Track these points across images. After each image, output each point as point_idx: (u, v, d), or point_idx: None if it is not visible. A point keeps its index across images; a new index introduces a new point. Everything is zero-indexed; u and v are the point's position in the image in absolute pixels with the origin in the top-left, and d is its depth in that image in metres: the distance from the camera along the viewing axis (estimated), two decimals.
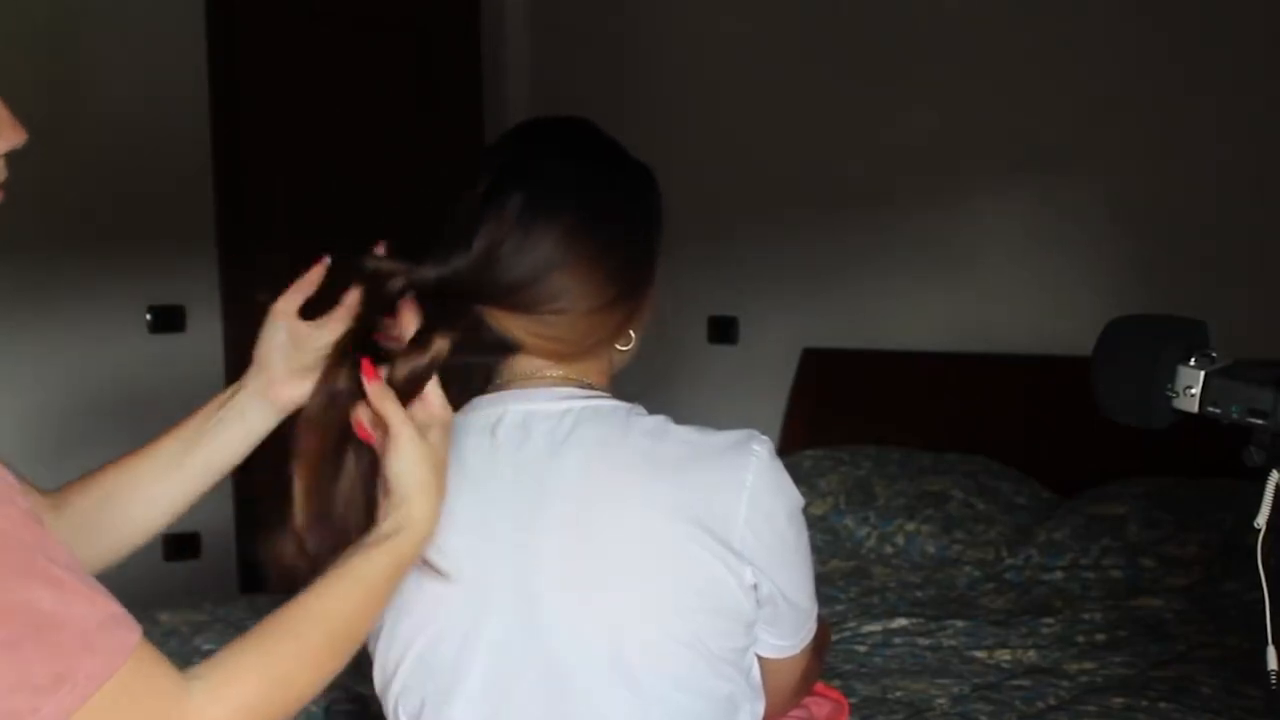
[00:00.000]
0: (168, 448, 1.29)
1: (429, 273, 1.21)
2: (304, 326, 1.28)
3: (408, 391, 1.13)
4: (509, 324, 1.23)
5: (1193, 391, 1.12)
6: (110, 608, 0.94)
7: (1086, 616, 2.71)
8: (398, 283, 1.19)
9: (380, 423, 1.12)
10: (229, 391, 1.31)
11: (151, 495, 1.29)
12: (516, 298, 1.22)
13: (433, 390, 1.14)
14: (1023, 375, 3.47)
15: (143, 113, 4.01)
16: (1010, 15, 3.56)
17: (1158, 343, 1.14)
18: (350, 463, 1.15)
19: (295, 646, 1.03)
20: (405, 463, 1.11)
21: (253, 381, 1.30)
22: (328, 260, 1.30)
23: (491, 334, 1.23)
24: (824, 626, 1.40)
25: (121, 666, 0.92)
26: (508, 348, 1.25)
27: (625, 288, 1.27)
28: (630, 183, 1.32)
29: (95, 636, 0.92)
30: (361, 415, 1.14)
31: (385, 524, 1.10)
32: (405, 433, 1.11)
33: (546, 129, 1.33)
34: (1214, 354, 1.13)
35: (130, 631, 0.94)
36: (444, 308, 1.18)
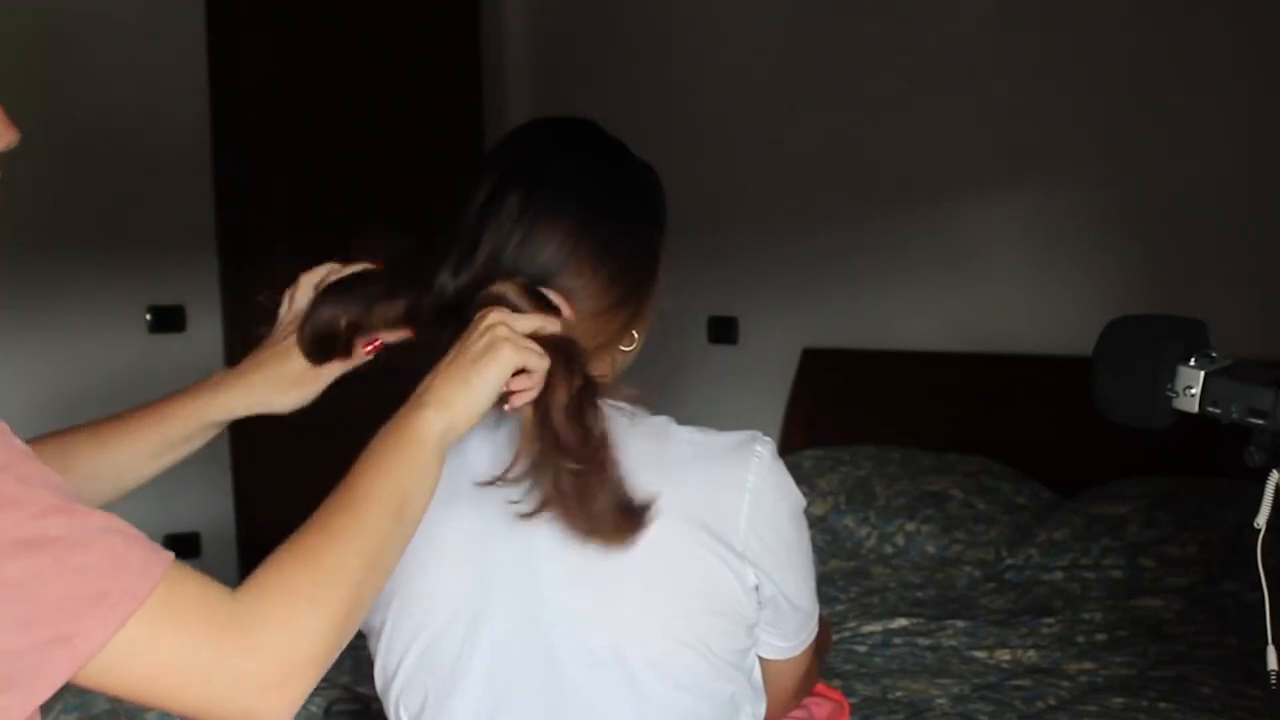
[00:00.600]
0: (148, 437, 1.29)
1: (447, 284, 1.21)
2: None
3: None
4: None
5: (1193, 391, 1.12)
6: (130, 529, 0.91)
7: (1086, 616, 2.71)
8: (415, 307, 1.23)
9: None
10: (222, 394, 1.30)
11: (127, 478, 1.29)
12: None
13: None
14: (1023, 375, 3.47)
15: (143, 113, 4.01)
16: (1011, 17, 3.56)
17: (1158, 343, 1.14)
18: None
19: (332, 538, 1.00)
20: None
21: (247, 383, 1.30)
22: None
23: None
24: (825, 627, 1.40)
25: (160, 580, 0.89)
26: None
27: (630, 288, 1.27)
28: (634, 182, 1.32)
29: (124, 554, 0.89)
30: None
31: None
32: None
33: (549, 130, 1.33)
34: (1214, 354, 1.13)
35: (159, 552, 0.91)
36: (454, 310, 1.20)
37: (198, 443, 1.32)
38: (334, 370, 1.30)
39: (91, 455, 1.27)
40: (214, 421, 1.31)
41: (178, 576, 0.91)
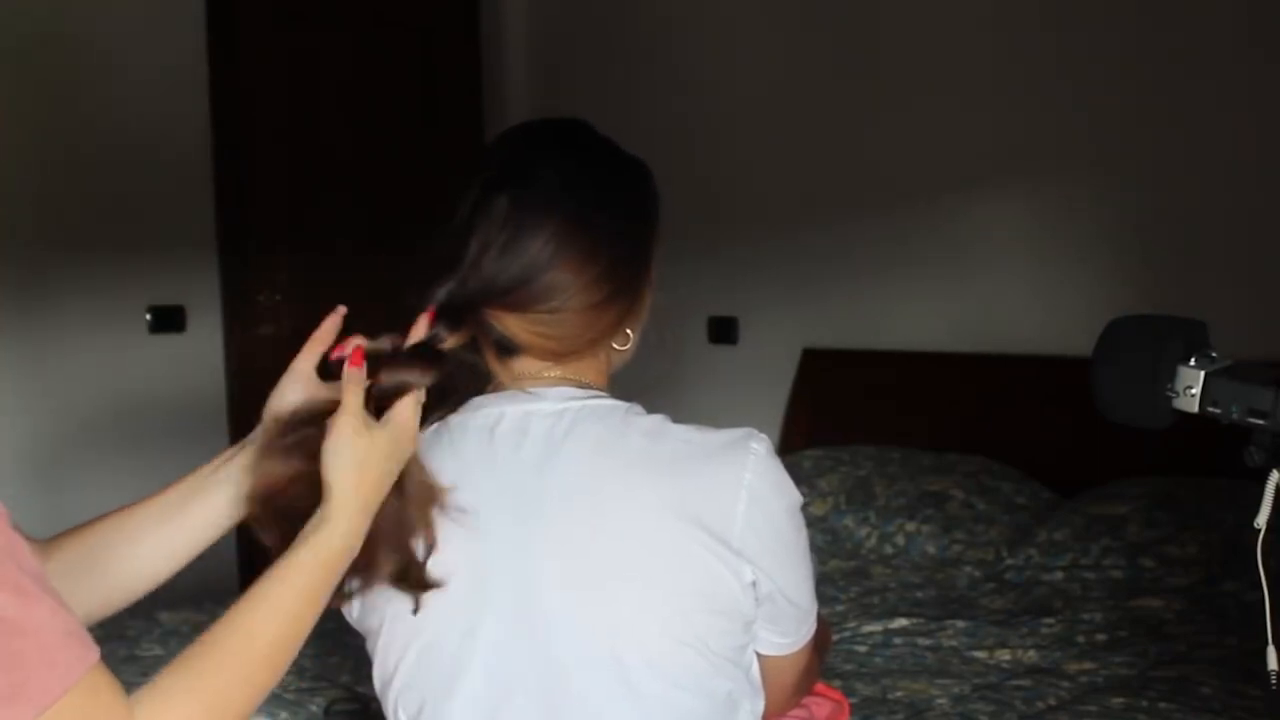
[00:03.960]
0: (168, 499, 1.25)
1: (440, 294, 1.22)
2: (323, 389, 1.22)
3: (387, 395, 1.15)
4: (509, 323, 1.24)
5: (1193, 391, 1.12)
6: (71, 623, 0.92)
7: (1087, 616, 2.71)
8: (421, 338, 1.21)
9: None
10: (235, 449, 1.27)
11: (150, 546, 1.24)
12: (512, 297, 1.23)
13: (407, 402, 1.15)
14: (1023, 375, 3.47)
15: (143, 113, 4.01)
16: (1011, 18, 3.56)
17: (1158, 343, 1.14)
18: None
19: (228, 663, 1.01)
20: (335, 455, 1.11)
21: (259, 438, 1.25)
22: (343, 310, 1.24)
23: (495, 334, 1.24)
24: (824, 625, 1.40)
25: (75, 684, 0.90)
26: (510, 348, 1.26)
27: (620, 285, 1.27)
28: (622, 180, 1.33)
29: (56, 650, 0.89)
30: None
31: (311, 520, 1.10)
32: (347, 422, 1.11)
33: (537, 130, 1.34)
34: (1214, 354, 1.13)
35: (88, 649, 0.92)
36: (450, 313, 1.21)
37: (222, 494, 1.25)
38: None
39: (115, 527, 1.24)
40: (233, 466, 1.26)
41: (94, 683, 0.92)
